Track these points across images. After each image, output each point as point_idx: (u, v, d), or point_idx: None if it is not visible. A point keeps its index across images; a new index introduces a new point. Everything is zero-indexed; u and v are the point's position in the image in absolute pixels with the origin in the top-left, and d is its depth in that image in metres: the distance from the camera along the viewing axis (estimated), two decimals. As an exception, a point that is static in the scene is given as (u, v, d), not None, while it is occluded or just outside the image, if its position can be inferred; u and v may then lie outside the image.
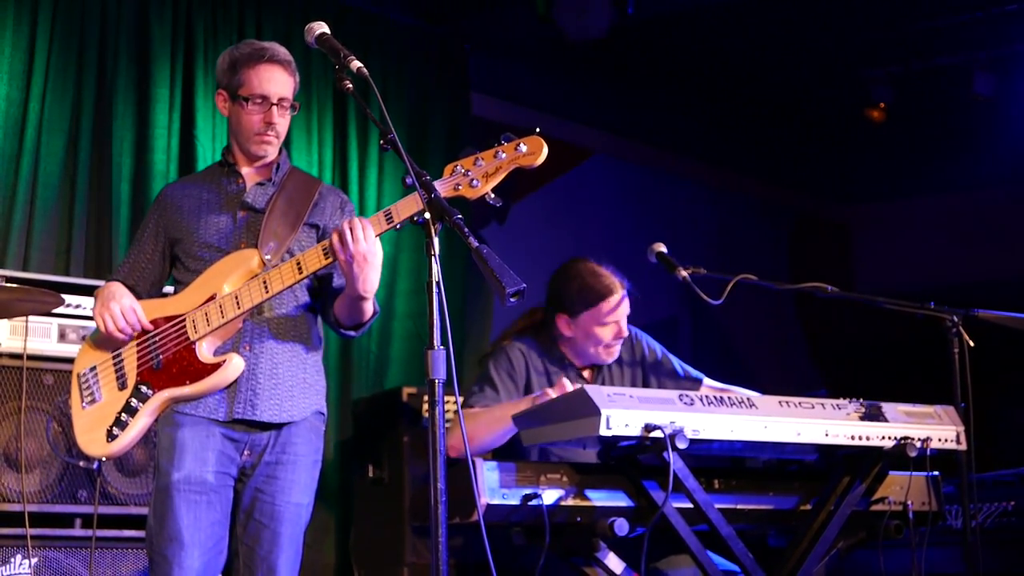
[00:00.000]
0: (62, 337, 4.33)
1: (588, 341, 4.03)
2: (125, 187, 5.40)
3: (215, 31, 5.79)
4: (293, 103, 3.48)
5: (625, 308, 4.02)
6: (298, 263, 3.22)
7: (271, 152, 3.48)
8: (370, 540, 5.64)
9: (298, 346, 3.42)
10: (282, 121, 3.47)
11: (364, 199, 6.25)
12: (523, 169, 3.04)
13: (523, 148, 3.01)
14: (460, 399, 2.66)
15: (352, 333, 3.46)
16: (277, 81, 3.43)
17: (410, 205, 3.07)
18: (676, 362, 4.19)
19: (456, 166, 3.04)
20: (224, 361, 3.27)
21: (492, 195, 3.00)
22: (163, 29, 5.60)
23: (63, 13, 5.31)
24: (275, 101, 3.43)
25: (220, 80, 3.50)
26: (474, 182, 2.99)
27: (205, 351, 3.29)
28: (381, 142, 2.86)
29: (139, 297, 3.47)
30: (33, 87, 5.17)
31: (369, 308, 3.36)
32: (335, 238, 3.16)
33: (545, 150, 3.02)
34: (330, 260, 3.21)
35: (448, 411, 4.79)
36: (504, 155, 3.02)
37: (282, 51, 3.48)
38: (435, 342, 2.68)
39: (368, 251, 3.15)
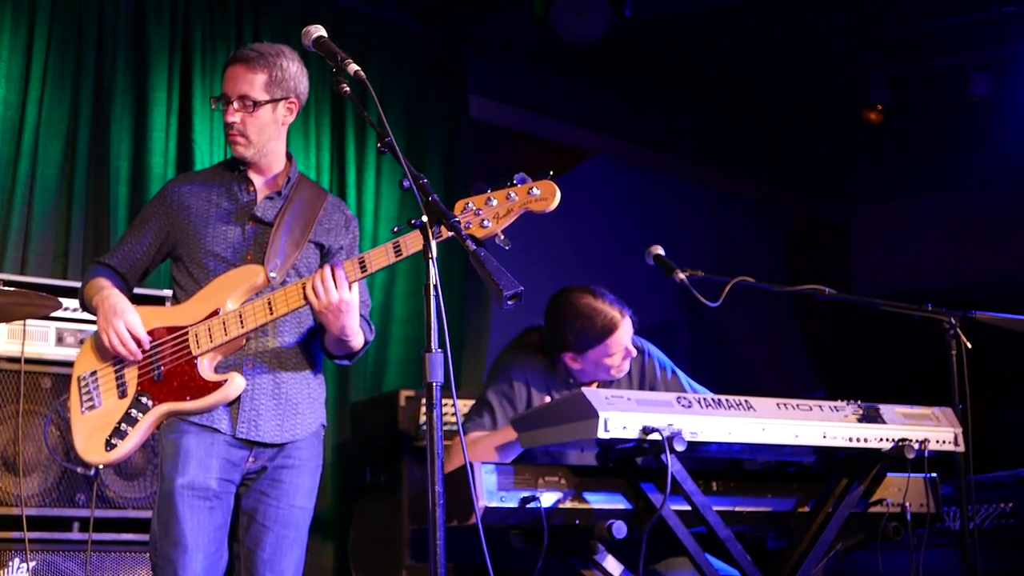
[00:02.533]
0: (60, 340, 4.33)
1: (597, 369, 4.00)
2: (123, 190, 5.40)
3: (212, 35, 5.79)
4: (269, 101, 3.36)
5: (630, 332, 3.97)
6: (304, 286, 3.21)
7: (240, 152, 3.40)
8: (368, 543, 5.63)
9: (302, 363, 3.41)
10: (248, 119, 3.37)
11: (362, 203, 6.24)
12: (533, 213, 3.02)
13: (536, 192, 2.99)
14: (459, 404, 2.65)
15: (345, 362, 3.47)
16: (233, 78, 3.38)
17: (416, 241, 3.08)
18: (684, 380, 4.16)
19: (467, 203, 3.00)
20: (226, 380, 3.26)
21: (502, 236, 2.96)
22: (160, 33, 5.60)
23: (61, 16, 5.30)
24: (232, 99, 3.37)
25: None
26: (485, 222, 2.96)
27: (206, 367, 3.28)
28: (379, 145, 2.84)
29: (128, 285, 3.47)
30: (31, 90, 5.17)
31: (356, 342, 3.35)
32: (309, 288, 3.18)
33: (558, 196, 2.99)
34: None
35: (446, 414, 4.80)
36: (516, 196, 2.99)
37: (251, 50, 3.40)
38: (433, 345, 2.68)
39: (342, 302, 3.18)
